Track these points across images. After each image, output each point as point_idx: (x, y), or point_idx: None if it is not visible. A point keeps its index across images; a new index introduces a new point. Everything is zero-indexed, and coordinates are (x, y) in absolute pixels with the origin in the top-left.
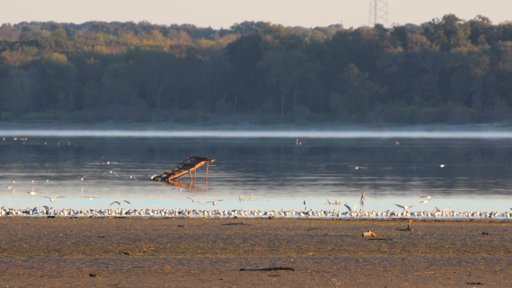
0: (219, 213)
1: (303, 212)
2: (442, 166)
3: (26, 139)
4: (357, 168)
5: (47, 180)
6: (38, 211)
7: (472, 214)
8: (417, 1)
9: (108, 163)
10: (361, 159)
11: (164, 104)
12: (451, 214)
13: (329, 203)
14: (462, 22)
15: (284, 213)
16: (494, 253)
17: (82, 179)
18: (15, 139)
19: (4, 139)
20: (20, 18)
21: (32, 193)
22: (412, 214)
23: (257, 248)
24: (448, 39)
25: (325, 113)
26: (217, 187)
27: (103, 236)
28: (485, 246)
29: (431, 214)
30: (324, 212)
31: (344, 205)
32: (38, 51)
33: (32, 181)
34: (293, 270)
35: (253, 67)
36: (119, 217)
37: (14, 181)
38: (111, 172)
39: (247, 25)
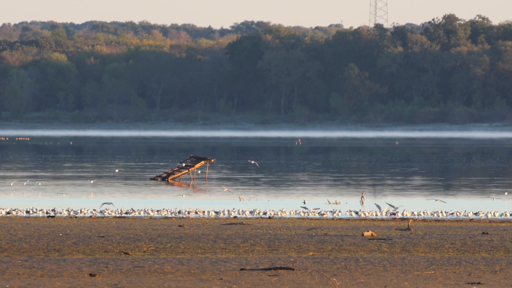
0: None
1: (302, 212)
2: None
3: (28, 139)
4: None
5: (39, 183)
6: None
7: (476, 214)
8: (417, 1)
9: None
10: (361, 159)
11: (164, 104)
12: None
13: (329, 203)
14: (462, 22)
15: (304, 209)
16: (494, 253)
17: (91, 181)
18: (18, 139)
19: (6, 139)
20: (20, 18)
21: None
22: (412, 213)
23: (257, 248)
24: (448, 39)
25: (325, 113)
26: (217, 187)
27: (103, 236)
28: (485, 246)
29: (431, 214)
30: (325, 211)
31: (375, 204)
32: (38, 51)
33: (40, 183)
34: (293, 270)
35: (253, 67)
36: (119, 217)
37: (40, 183)
38: (117, 171)
39: (247, 25)
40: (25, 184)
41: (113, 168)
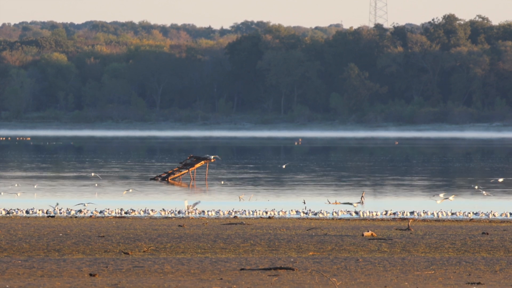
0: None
1: (303, 212)
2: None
3: (29, 139)
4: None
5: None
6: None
7: (476, 214)
8: (417, 1)
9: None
10: (361, 159)
11: (164, 104)
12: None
13: (329, 203)
14: (462, 22)
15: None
16: (494, 253)
17: (95, 184)
18: (20, 139)
19: (9, 138)
20: (20, 18)
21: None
22: (411, 213)
23: (257, 248)
24: (448, 39)
25: (325, 113)
26: (217, 186)
27: (103, 236)
28: (485, 246)
29: (431, 214)
30: (327, 211)
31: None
32: (38, 51)
33: (35, 186)
34: (293, 270)
35: (253, 67)
36: (119, 217)
37: (35, 186)
38: (92, 174)
39: (247, 25)
40: (16, 185)
41: (113, 168)
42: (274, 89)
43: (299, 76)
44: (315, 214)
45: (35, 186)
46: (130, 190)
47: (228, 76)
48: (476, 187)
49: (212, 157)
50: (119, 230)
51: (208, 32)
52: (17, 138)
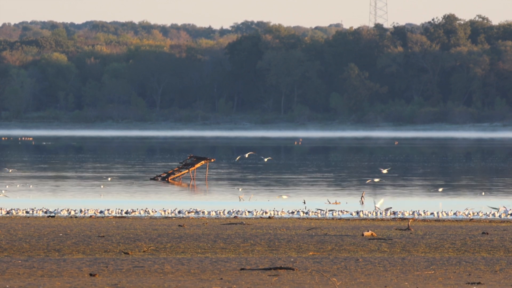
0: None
1: (303, 212)
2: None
3: (31, 139)
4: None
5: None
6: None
7: (477, 214)
8: (417, 1)
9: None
10: (361, 159)
11: (164, 104)
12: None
13: (329, 203)
14: (462, 22)
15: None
16: (494, 253)
17: (101, 186)
18: (23, 139)
19: (11, 138)
20: (20, 17)
21: None
22: (412, 213)
23: (257, 247)
24: (448, 39)
25: (325, 113)
26: (217, 187)
27: (103, 236)
28: (485, 246)
29: (431, 214)
30: (324, 211)
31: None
32: (38, 50)
33: (30, 186)
34: (293, 269)
35: (253, 67)
36: (119, 217)
37: (30, 186)
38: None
39: (247, 25)
40: (18, 186)
41: (113, 168)
42: (274, 89)
43: (299, 76)
44: (324, 214)
45: (30, 187)
46: (1, 194)
47: (228, 76)
48: (483, 193)
49: (246, 155)
50: (119, 230)
51: (208, 32)
52: (19, 139)
